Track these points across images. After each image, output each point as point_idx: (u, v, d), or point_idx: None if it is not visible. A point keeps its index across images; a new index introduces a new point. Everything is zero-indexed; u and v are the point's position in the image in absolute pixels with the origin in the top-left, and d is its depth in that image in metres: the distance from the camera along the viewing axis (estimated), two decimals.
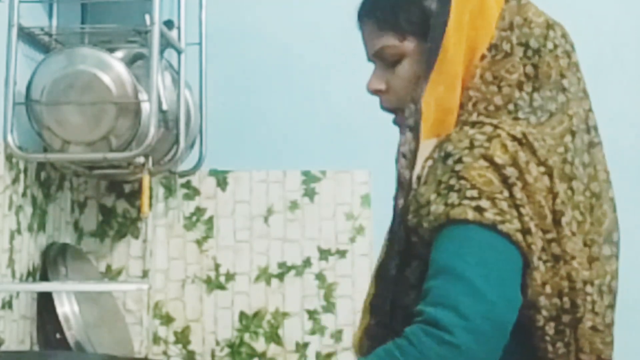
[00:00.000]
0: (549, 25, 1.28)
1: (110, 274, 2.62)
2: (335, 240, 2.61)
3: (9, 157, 2.14)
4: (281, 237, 2.62)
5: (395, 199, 1.26)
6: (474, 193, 1.13)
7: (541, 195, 1.15)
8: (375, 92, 1.33)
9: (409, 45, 1.28)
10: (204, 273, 2.62)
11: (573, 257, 1.17)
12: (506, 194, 1.13)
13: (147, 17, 2.17)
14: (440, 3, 1.26)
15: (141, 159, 2.25)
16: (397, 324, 1.20)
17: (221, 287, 2.61)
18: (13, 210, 2.16)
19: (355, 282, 2.57)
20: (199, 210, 2.64)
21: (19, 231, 2.19)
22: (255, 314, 2.59)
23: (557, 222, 1.16)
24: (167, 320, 2.60)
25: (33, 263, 2.28)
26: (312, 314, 2.59)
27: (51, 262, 2.31)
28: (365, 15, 1.33)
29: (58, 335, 2.17)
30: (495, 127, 1.18)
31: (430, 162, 1.21)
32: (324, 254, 2.61)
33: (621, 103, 2.57)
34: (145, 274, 2.61)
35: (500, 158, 1.14)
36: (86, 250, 2.61)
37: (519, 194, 1.13)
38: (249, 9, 2.68)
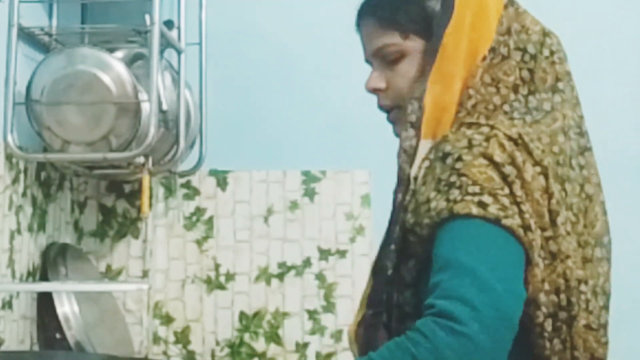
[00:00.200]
0: (545, 33, 1.31)
1: (110, 274, 2.62)
2: (335, 240, 2.61)
3: (9, 157, 2.14)
4: (281, 237, 2.62)
5: (395, 193, 1.28)
6: (476, 189, 1.14)
7: (538, 194, 1.17)
8: (375, 90, 1.34)
9: (411, 43, 1.30)
10: (204, 273, 2.62)
11: (567, 256, 1.19)
12: (507, 190, 1.15)
13: (147, 17, 2.17)
14: (443, 4, 1.29)
15: (141, 159, 2.25)
16: (393, 322, 1.22)
17: (221, 287, 2.61)
18: (13, 210, 2.16)
19: (355, 282, 2.57)
20: (199, 210, 2.64)
21: (19, 231, 2.19)
22: (255, 314, 2.59)
23: (552, 222, 1.18)
24: (167, 320, 2.60)
25: (33, 263, 2.28)
26: (312, 314, 2.59)
27: (51, 262, 2.31)
28: (366, 13, 1.34)
29: (58, 335, 2.17)
30: (492, 127, 1.20)
31: (426, 163, 1.23)
32: (324, 254, 2.61)
33: (621, 103, 2.57)
34: (145, 274, 2.61)
35: (499, 157, 1.17)
36: (86, 250, 2.61)
37: (518, 191, 1.16)
38: (249, 9, 2.69)
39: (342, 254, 2.60)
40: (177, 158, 2.41)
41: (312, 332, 2.58)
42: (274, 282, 2.60)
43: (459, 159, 1.18)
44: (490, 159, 1.16)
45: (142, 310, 2.60)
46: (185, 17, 2.46)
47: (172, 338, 2.60)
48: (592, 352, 1.21)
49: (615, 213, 2.73)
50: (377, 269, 1.28)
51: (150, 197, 2.49)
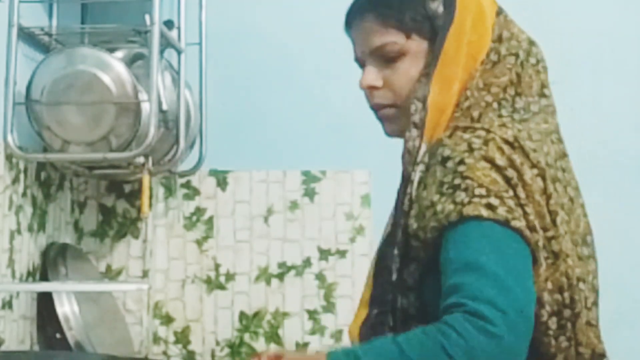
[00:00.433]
0: (531, 42, 1.34)
1: (110, 274, 2.62)
2: (335, 240, 2.61)
3: (9, 157, 2.14)
4: (281, 237, 2.62)
5: (399, 193, 1.29)
6: (482, 191, 1.15)
7: (538, 196, 1.19)
8: (371, 88, 1.34)
9: (413, 43, 1.31)
10: (204, 273, 2.62)
11: (567, 255, 1.21)
12: (511, 192, 1.17)
13: (147, 17, 2.17)
14: (446, 6, 1.30)
15: (141, 159, 2.25)
16: (397, 324, 1.22)
17: (221, 287, 2.61)
18: (13, 210, 2.16)
19: (355, 282, 2.57)
20: (199, 210, 2.64)
21: (19, 231, 2.19)
22: (255, 314, 2.59)
23: (553, 222, 1.20)
24: (167, 320, 2.60)
25: (33, 263, 2.28)
26: (312, 314, 2.59)
27: (51, 262, 2.31)
28: (364, 11, 1.34)
29: (58, 335, 2.17)
30: (488, 131, 1.21)
31: (422, 167, 1.24)
32: (324, 254, 2.61)
33: (621, 103, 2.57)
34: (145, 274, 2.61)
35: (500, 160, 1.18)
36: (86, 250, 2.61)
37: (522, 193, 1.17)
38: (249, 9, 2.68)
39: (342, 254, 2.60)
40: (177, 158, 2.40)
41: (312, 332, 2.58)
42: (274, 282, 2.60)
43: (462, 162, 1.18)
44: (492, 162, 1.18)
45: (142, 310, 2.60)
46: (185, 17, 2.46)
47: (172, 338, 2.60)
48: (593, 348, 1.23)
49: (615, 213, 2.74)
50: (380, 270, 1.28)
51: (150, 197, 2.49)
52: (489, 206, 1.14)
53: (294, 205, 2.63)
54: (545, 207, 1.20)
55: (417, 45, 1.30)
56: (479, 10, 1.31)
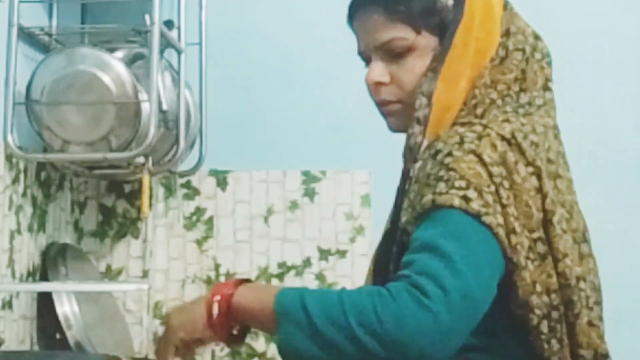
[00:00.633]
0: (536, 37, 1.32)
1: (110, 274, 2.62)
2: (335, 240, 2.61)
3: (9, 157, 2.14)
4: (281, 237, 2.62)
5: (398, 190, 1.29)
6: (462, 183, 1.14)
7: (528, 195, 1.17)
8: (377, 84, 1.31)
9: (423, 39, 1.28)
10: (204, 273, 2.62)
11: (565, 255, 1.19)
12: (492, 189, 1.15)
13: (147, 17, 2.17)
14: (455, 1, 1.27)
15: (141, 159, 2.25)
16: None
17: None
18: (13, 210, 2.16)
19: (355, 282, 2.56)
20: (199, 210, 2.64)
21: (19, 231, 2.19)
22: None
23: (548, 222, 1.19)
24: None
25: (33, 263, 2.28)
26: None
27: (51, 262, 2.31)
28: (371, 2, 1.30)
29: (58, 335, 2.17)
30: (485, 126, 1.20)
31: (419, 164, 1.23)
32: (324, 254, 2.61)
33: (621, 103, 2.57)
34: (145, 274, 2.61)
35: (489, 157, 1.17)
36: (86, 250, 2.61)
37: (504, 193, 1.16)
38: (249, 9, 2.68)
39: (342, 254, 2.60)
40: (177, 158, 2.40)
41: None
42: (274, 282, 2.60)
43: (449, 154, 1.17)
44: (479, 158, 1.16)
45: (142, 310, 2.60)
46: (185, 17, 2.46)
47: None
48: (596, 348, 1.22)
49: (615, 213, 2.74)
50: (378, 268, 1.29)
51: (150, 197, 2.49)
52: (465, 198, 1.13)
53: (294, 205, 2.63)
54: (538, 206, 1.18)
55: (426, 41, 1.28)
56: (488, 5, 1.28)
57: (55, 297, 2.19)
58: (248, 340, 2.56)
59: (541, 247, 1.18)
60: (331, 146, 2.63)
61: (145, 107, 2.16)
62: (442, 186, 1.15)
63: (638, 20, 2.62)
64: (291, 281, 2.59)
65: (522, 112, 1.24)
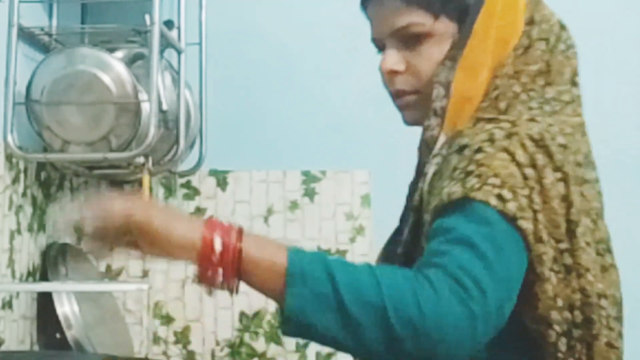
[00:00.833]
0: (562, 26, 1.24)
1: (110, 274, 2.61)
2: (335, 240, 2.61)
3: (9, 157, 2.14)
4: (281, 237, 2.62)
5: (410, 187, 1.23)
6: (496, 181, 1.05)
7: (556, 202, 1.08)
8: (392, 72, 1.22)
9: (441, 25, 1.19)
10: None
11: (587, 270, 1.10)
12: (527, 192, 1.06)
13: (147, 17, 2.17)
14: None
15: (141, 159, 2.25)
16: None
17: None
18: (13, 210, 2.15)
19: None
20: (199, 210, 2.64)
21: (19, 231, 2.19)
22: (255, 314, 2.59)
23: (571, 232, 1.09)
24: (167, 320, 2.60)
25: (33, 263, 2.28)
26: None
27: (51, 262, 2.31)
28: None
29: (58, 335, 2.17)
30: (513, 124, 1.11)
31: (438, 159, 1.14)
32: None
33: (623, 102, 2.57)
34: (145, 274, 2.61)
35: (521, 157, 1.08)
36: (86, 250, 2.60)
37: (537, 197, 1.07)
38: (249, 9, 2.68)
39: (342, 254, 2.60)
40: (177, 158, 2.40)
41: None
42: None
43: (480, 150, 1.08)
44: (512, 156, 1.07)
45: (142, 310, 2.60)
46: (185, 17, 2.46)
47: (172, 338, 2.60)
48: None
49: (616, 213, 2.73)
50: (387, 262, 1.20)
51: (150, 197, 2.49)
52: (500, 197, 1.03)
53: (294, 205, 2.63)
54: (564, 215, 1.08)
55: (445, 27, 1.19)
56: None
57: (55, 297, 2.19)
58: (248, 340, 2.58)
59: (567, 259, 1.08)
60: (331, 146, 2.63)
61: (145, 107, 2.16)
62: (473, 181, 1.05)
63: (638, 20, 2.62)
64: None
65: (549, 110, 1.15)
